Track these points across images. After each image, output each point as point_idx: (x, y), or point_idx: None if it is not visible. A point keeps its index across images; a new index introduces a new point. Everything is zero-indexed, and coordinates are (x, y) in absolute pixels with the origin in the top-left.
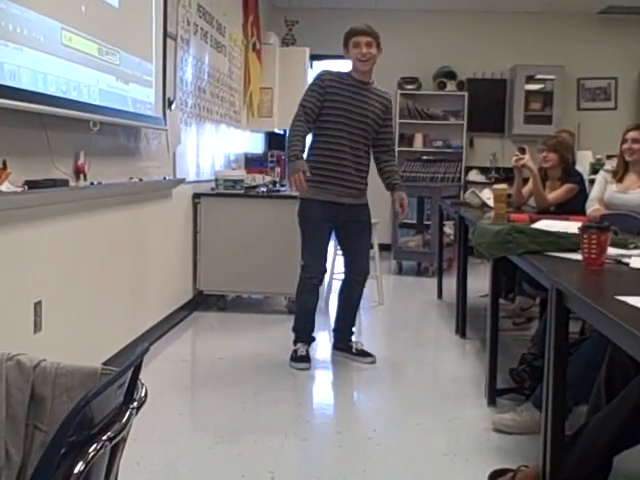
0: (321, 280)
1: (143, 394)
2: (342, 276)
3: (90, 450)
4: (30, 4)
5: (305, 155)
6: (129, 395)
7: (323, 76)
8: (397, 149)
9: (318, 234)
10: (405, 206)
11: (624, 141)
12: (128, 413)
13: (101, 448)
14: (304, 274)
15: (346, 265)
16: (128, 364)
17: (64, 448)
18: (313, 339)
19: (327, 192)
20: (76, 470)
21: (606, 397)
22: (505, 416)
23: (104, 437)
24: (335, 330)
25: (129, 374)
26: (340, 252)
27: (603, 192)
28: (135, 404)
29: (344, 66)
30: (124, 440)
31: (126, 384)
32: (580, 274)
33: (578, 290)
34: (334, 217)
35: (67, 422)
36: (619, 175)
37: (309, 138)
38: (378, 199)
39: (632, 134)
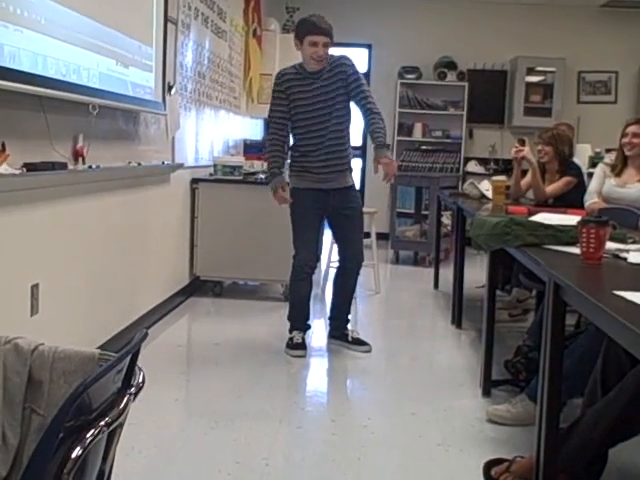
0: (313, 268)
1: (141, 380)
2: (337, 264)
3: (87, 435)
4: None
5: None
6: (127, 381)
7: (280, 80)
8: (396, 138)
9: (308, 222)
10: (385, 165)
11: (624, 135)
12: (126, 399)
13: (99, 433)
14: (295, 262)
15: (340, 254)
16: (127, 350)
17: (62, 433)
18: (309, 327)
19: (307, 179)
20: (73, 455)
21: (602, 390)
22: (499, 407)
23: (102, 422)
24: (331, 318)
25: (127, 360)
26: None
27: (601, 185)
28: (133, 390)
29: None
30: (121, 425)
31: (124, 370)
32: (578, 268)
33: (575, 284)
34: (323, 204)
35: (65, 407)
36: (618, 169)
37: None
38: (376, 189)
39: (632, 128)
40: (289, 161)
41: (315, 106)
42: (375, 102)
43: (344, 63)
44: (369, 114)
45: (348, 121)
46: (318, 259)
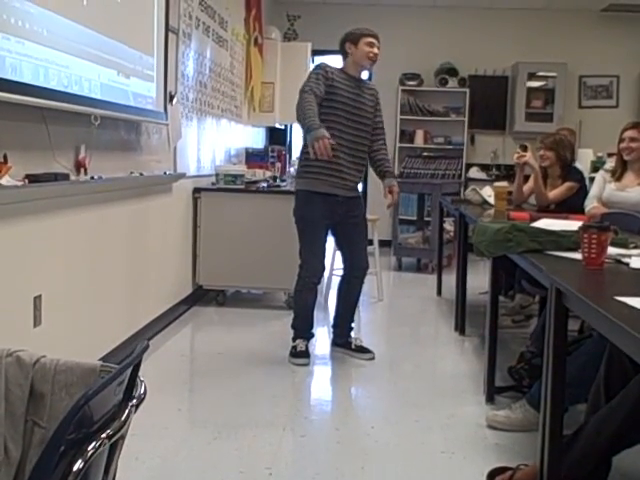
0: (320, 278)
1: (142, 391)
2: (341, 272)
3: (89, 448)
4: None
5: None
6: (128, 392)
7: (326, 68)
8: (398, 145)
9: (316, 232)
10: (394, 193)
11: (621, 140)
12: (127, 411)
13: (100, 446)
14: (303, 272)
15: (345, 262)
16: (128, 362)
17: (63, 446)
18: (312, 335)
19: (322, 183)
20: (75, 468)
21: (605, 397)
22: (499, 413)
23: (103, 435)
24: (334, 326)
25: (129, 372)
26: (338, 249)
27: (602, 190)
28: (134, 401)
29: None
30: (123, 437)
31: (125, 381)
32: (580, 274)
33: (577, 290)
34: (330, 213)
35: (67, 420)
36: (618, 174)
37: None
38: (378, 196)
39: (629, 133)
40: (303, 162)
41: (352, 109)
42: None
43: (376, 90)
44: (382, 145)
45: (369, 140)
46: (324, 268)
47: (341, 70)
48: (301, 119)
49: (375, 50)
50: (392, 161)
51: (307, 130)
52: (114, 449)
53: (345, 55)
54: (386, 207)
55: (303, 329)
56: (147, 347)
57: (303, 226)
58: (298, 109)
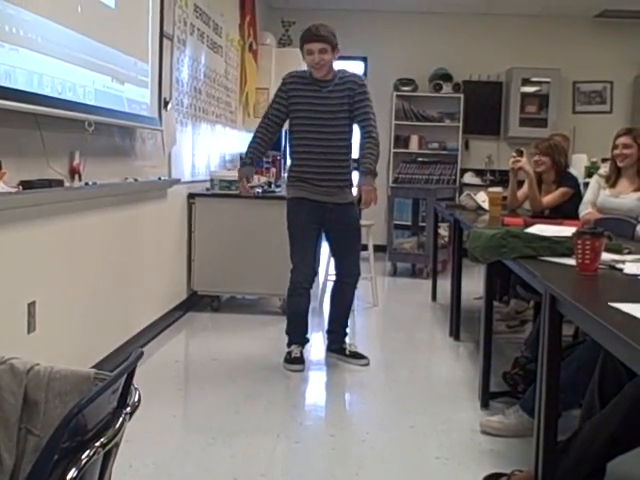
0: (311, 283)
1: (137, 399)
2: (334, 278)
3: (83, 457)
4: (26, 4)
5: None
6: (122, 400)
7: (285, 80)
8: (392, 150)
9: (305, 236)
10: (364, 193)
11: (615, 146)
12: (121, 419)
13: (94, 454)
14: (293, 277)
15: (337, 268)
16: (122, 370)
17: (57, 454)
18: (307, 341)
19: (305, 191)
20: (69, 476)
21: (599, 402)
22: (493, 419)
23: (97, 443)
24: (329, 332)
25: (123, 379)
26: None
27: (596, 196)
28: (128, 409)
29: (343, 67)
30: (117, 446)
31: (120, 389)
32: (574, 280)
33: (571, 296)
34: (320, 219)
35: (60, 429)
36: (612, 180)
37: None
38: None
39: (622, 140)
40: (288, 171)
41: (316, 114)
42: (375, 127)
43: (354, 81)
44: (366, 137)
45: (350, 137)
46: (316, 273)
47: (309, 72)
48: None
49: (315, 58)
50: (386, 166)
51: (240, 165)
52: (108, 457)
53: None
54: (360, 206)
55: (297, 334)
56: (141, 355)
57: (292, 231)
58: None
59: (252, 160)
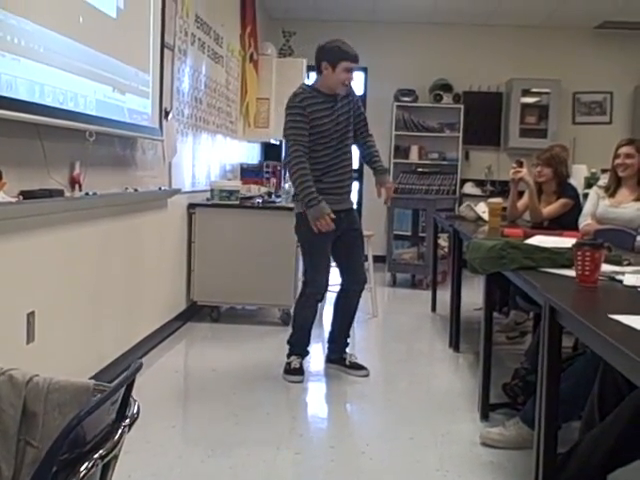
0: (323, 295)
1: (135, 411)
2: (337, 287)
3: (82, 469)
4: (28, 15)
5: None
6: (121, 412)
7: (300, 102)
8: (392, 161)
9: (321, 250)
10: (388, 190)
11: (617, 156)
12: (120, 431)
13: (93, 467)
14: (309, 289)
15: (343, 275)
16: (121, 381)
17: (56, 466)
18: (307, 353)
19: (328, 203)
20: None
21: (599, 414)
22: (493, 430)
23: (96, 455)
24: (330, 341)
25: (122, 391)
26: (334, 263)
27: (595, 207)
28: (127, 421)
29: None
30: (116, 458)
31: (119, 401)
32: (573, 291)
33: (571, 308)
34: (334, 229)
35: (59, 440)
36: (611, 190)
37: None
38: (372, 210)
39: (625, 149)
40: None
41: (335, 128)
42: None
43: (352, 94)
44: (369, 141)
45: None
46: (329, 285)
47: (314, 89)
48: (298, 187)
49: (352, 78)
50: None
51: (307, 204)
52: (107, 469)
53: (319, 72)
54: (383, 202)
55: (300, 346)
56: (140, 366)
57: (309, 247)
58: (294, 170)
59: (318, 195)
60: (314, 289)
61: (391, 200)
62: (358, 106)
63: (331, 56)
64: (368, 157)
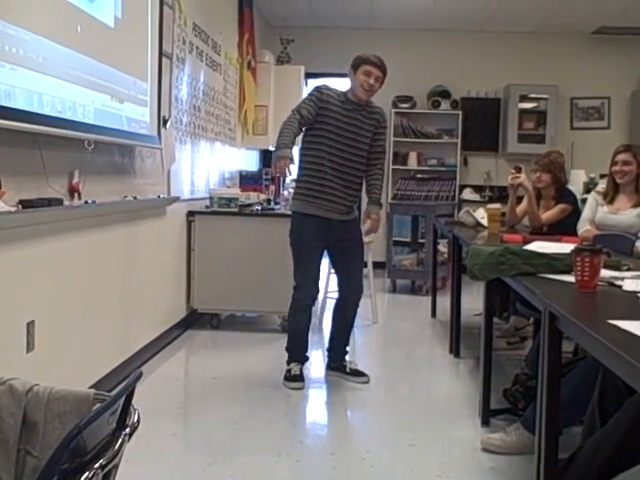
0: (313, 300)
1: (136, 420)
2: (336, 295)
3: (82, 478)
4: (26, 24)
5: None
6: (122, 421)
7: (322, 89)
8: (391, 167)
9: (310, 254)
10: (372, 220)
11: (614, 163)
12: (120, 440)
13: (93, 476)
14: (296, 294)
15: (340, 284)
16: (121, 390)
17: (56, 476)
18: (307, 358)
19: (315, 206)
20: None
21: (600, 420)
22: (494, 436)
23: (96, 465)
24: (329, 349)
25: (122, 400)
26: (333, 271)
27: (594, 213)
28: (128, 430)
29: (339, 84)
30: (116, 467)
31: (119, 410)
32: (573, 297)
33: (571, 313)
34: (325, 236)
35: (60, 450)
36: (610, 197)
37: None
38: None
39: (622, 157)
40: (297, 183)
41: (344, 133)
42: (384, 165)
43: (381, 114)
44: (375, 170)
45: (365, 164)
46: (319, 290)
47: (343, 93)
48: (278, 134)
49: (370, 80)
50: (385, 183)
51: (275, 147)
52: (107, 478)
53: (351, 79)
54: (365, 233)
55: (297, 352)
56: (140, 376)
57: (296, 248)
58: (282, 126)
59: (290, 144)
60: (302, 294)
61: (370, 233)
62: (381, 131)
63: (356, 61)
64: (369, 184)
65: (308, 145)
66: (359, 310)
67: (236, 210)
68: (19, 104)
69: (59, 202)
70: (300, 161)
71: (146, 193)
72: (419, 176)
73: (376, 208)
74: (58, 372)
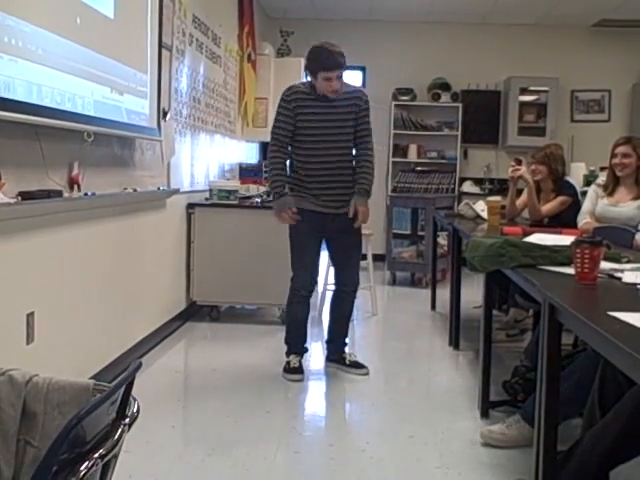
0: (310, 291)
1: (135, 410)
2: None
3: (82, 468)
4: (25, 16)
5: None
6: (121, 411)
7: (288, 96)
8: (391, 160)
9: (306, 245)
10: (360, 213)
11: (614, 156)
12: (120, 430)
13: (93, 466)
14: (293, 285)
15: (336, 277)
16: (120, 381)
17: (56, 466)
18: (306, 350)
19: (307, 201)
20: None
21: (600, 411)
22: (493, 429)
23: (96, 455)
24: (328, 341)
25: (121, 391)
26: (331, 263)
27: (594, 206)
28: (127, 420)
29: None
30: (116, 457)
31: (118, 401)
32: (573, 289)
33: (570, 305)
34: (321, 228)
35: (59, 440)
36: (610, 189)
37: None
38: (371, 209)
39: (622, 149)
40: (290, 181)
41: (323, 130)
42: (372, 148)
43: (360, 97)
44: (363, 158)
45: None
46: (316, 282)
47: (311, 85)
48: (269, 179)
49: (334, 86)
50: (385, 175)
51: (270, 191)
52: (107, 469)
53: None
54: (354, 224)
55: (296, 343)
56: (140, 366)
57: (293, 239)
58: (268, 162)
59: (283, 187)
60: (297, 284)
61: (359, 224)
62: (363, 114)
63: (311, 65)
64: (355, 176)
65: (297, 147)
66: (359, 302)
67: (236, 202)
68: (19, 95)
69: (59, 194)
70: (291, 162)
71: (146, 185)
72: (419, 169)
73: (363, 200)
74: (58, 364)
